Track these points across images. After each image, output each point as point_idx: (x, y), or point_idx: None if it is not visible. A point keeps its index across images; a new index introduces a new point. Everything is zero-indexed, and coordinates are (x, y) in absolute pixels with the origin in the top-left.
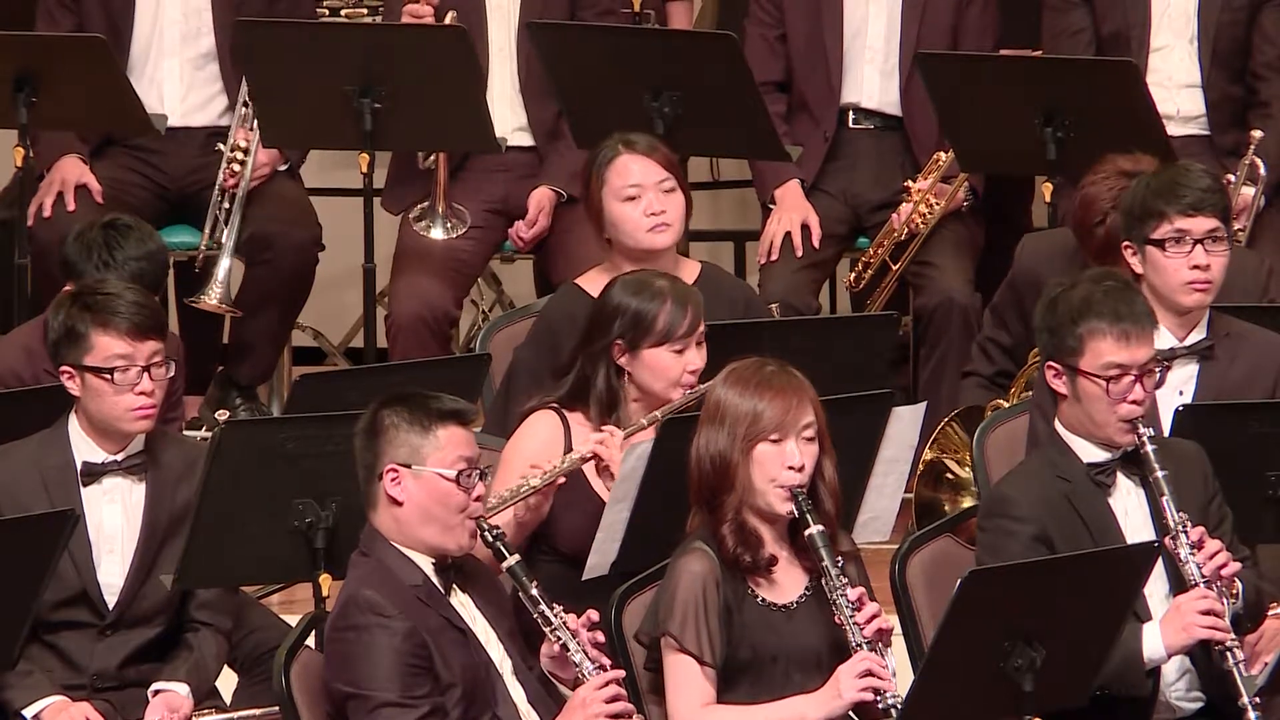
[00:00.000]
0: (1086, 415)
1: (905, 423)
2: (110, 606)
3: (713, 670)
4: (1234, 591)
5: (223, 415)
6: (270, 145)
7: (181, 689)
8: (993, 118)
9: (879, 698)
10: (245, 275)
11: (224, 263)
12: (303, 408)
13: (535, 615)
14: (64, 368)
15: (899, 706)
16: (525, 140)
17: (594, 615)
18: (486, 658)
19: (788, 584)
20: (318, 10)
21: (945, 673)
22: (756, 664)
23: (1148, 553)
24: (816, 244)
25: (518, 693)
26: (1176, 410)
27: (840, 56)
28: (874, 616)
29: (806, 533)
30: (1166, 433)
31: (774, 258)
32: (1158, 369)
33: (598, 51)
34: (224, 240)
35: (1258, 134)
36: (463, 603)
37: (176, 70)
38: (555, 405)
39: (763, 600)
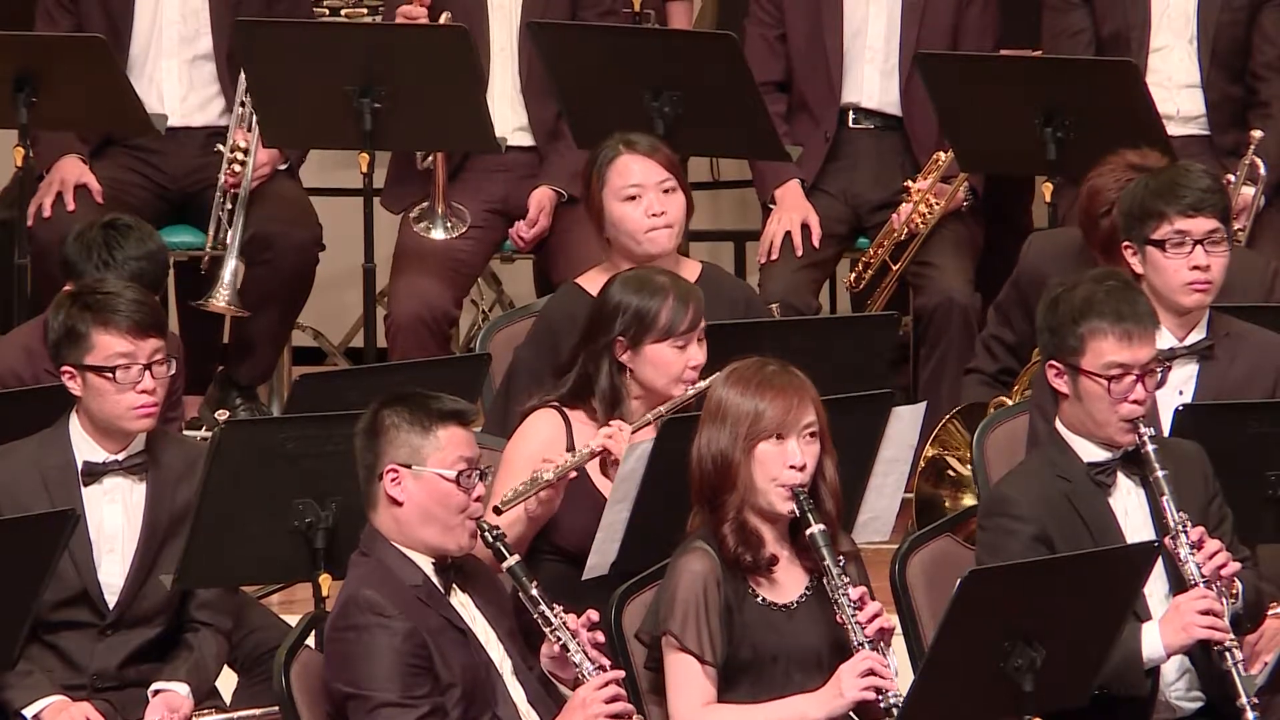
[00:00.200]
0: (1087, 415)
1: (905, 423)
2: (110, 606)
3: (714, 669)
4: (1234, 592)
5: (223, 415)
6: (270, 145)
7: (181, 689)
8: (993, 118)
9: (881, 697)
10: (245, 275)
11: (230, 264)
12: (303, 408)
13: (535, 615)
14: (65, 367)
15: (900, 706)
16: (526, 140)
17: (594, 615)
18: (486, 658)
19: (788, 584)
20: (317, 10)
21: (945, 673)
22: (757, 664)
23: (1147, 553)
24: (817, 244)
25: (518, 693)
26: (1176, 410)
27: (840, 56)
28: (875, 616)
29: (808, 532)
30: (1166, 433)
31: (774, 258)
32: (1159, 369)
33: (598, 51)
34: (229, 241)
35: (1257, 134)
36: (463, 603)
37: (175, 70)
38: (556, 404)
39: (763, 600)
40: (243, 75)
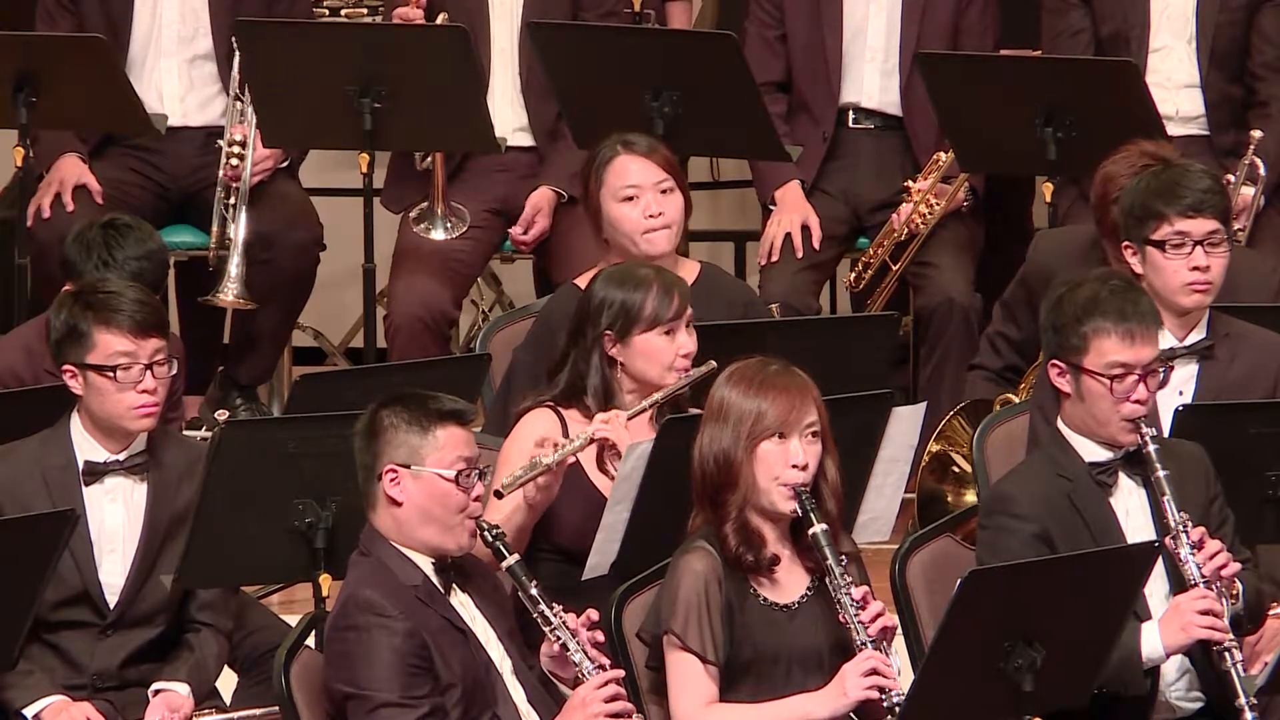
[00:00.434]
0: (1089, 414)
1: (905, 423)
2: (111, 606)
3: (715, 669)
4: (1234, 592)
5: (223, 415)
6: (270, 145)
7: (182, 689)
8: (993, 118)
9: (884, 696)
10: (246, 275)
11: (235, 259)
12: (303, 408)
13: (535, 615)
14: (66, 366)
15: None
16: (526, 140)
17: (594, 615)
18: (486, 657)
19: (790, 584)
20: (317, 10)
21: (945, 673)
22: (758, 664)
23: (1148, 553)
24: (817, 245)
25: (517, 692)
26: (1176, 410)
27: (840, 56)
28: (878, 615)
29: (810, 532)
30: (1166, 433)
31: (774, 259)
32: (1161, 369)
33: (598, 51)
34: (233, 236)
35: (1257, 134)
36: (462, 602)
37: (175, 70)
38: (551, 403)
39: (765, 600)
40: (236, 69)
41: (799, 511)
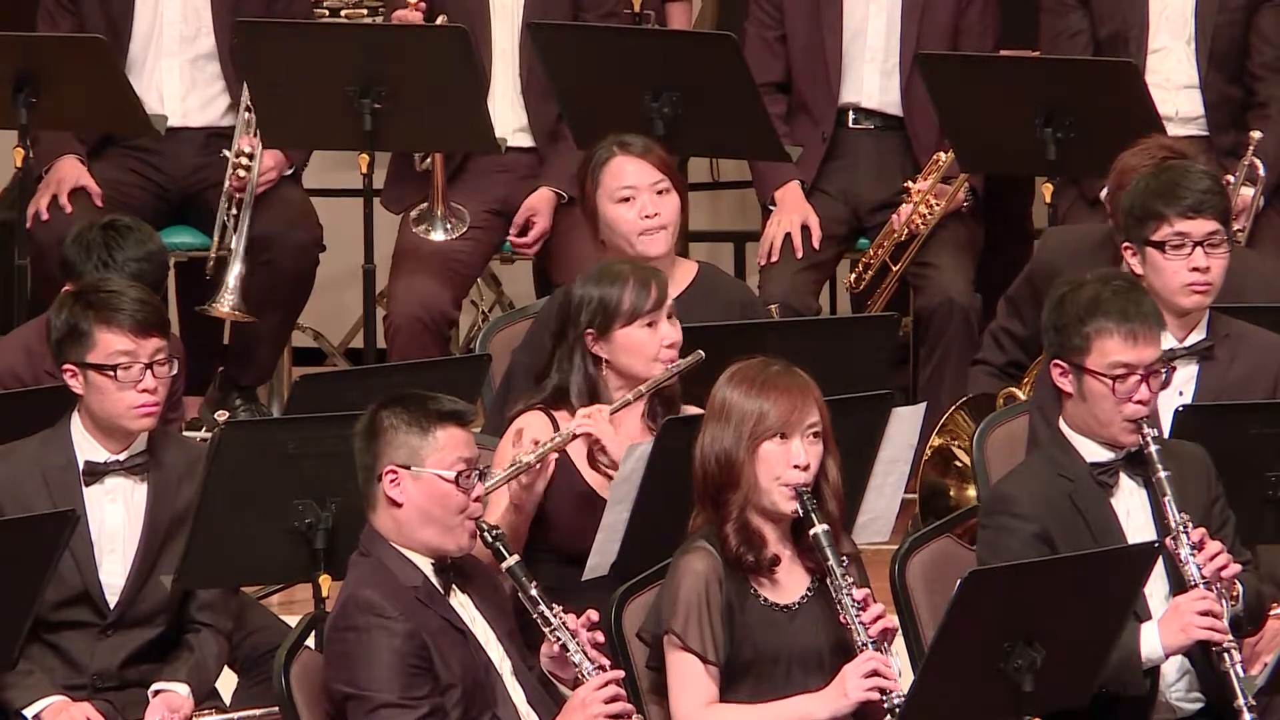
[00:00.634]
0: (1091, 414)
1: (905, 423)
2: (111, 606)
3: (715, 669)
4: (1234, 594)
5: (223, 416)
6: (271, 146)
7: (182, 689)
8: (993, 118)
9: (885, 698)
10: (246, 277)
11: (235, 269)
12: (303, 408)
13: (535, 616)
14: (67, 366)
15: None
16: (526, 141)
17: (594, 615)
18: (486, 658)
19: (790, 584)
20: (317, 10)
21: (945, 673)
22: (759, 664)
23: (1148, 553)
24: (816, 245)
25: (517, 693)
26: (1176, 411)
27: (840, 57)
28: (879, 617)
29: (812, 532)
30: (1166, 433)
31: (774, 259)
32: (1163, 370)
33: (598, 52)
34: (233, 247)
35: (1256, 135)
36: (462, 603)
37: (176, 71)
38: (541, 405)
39: (765, 600)
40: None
41: (800, 512)
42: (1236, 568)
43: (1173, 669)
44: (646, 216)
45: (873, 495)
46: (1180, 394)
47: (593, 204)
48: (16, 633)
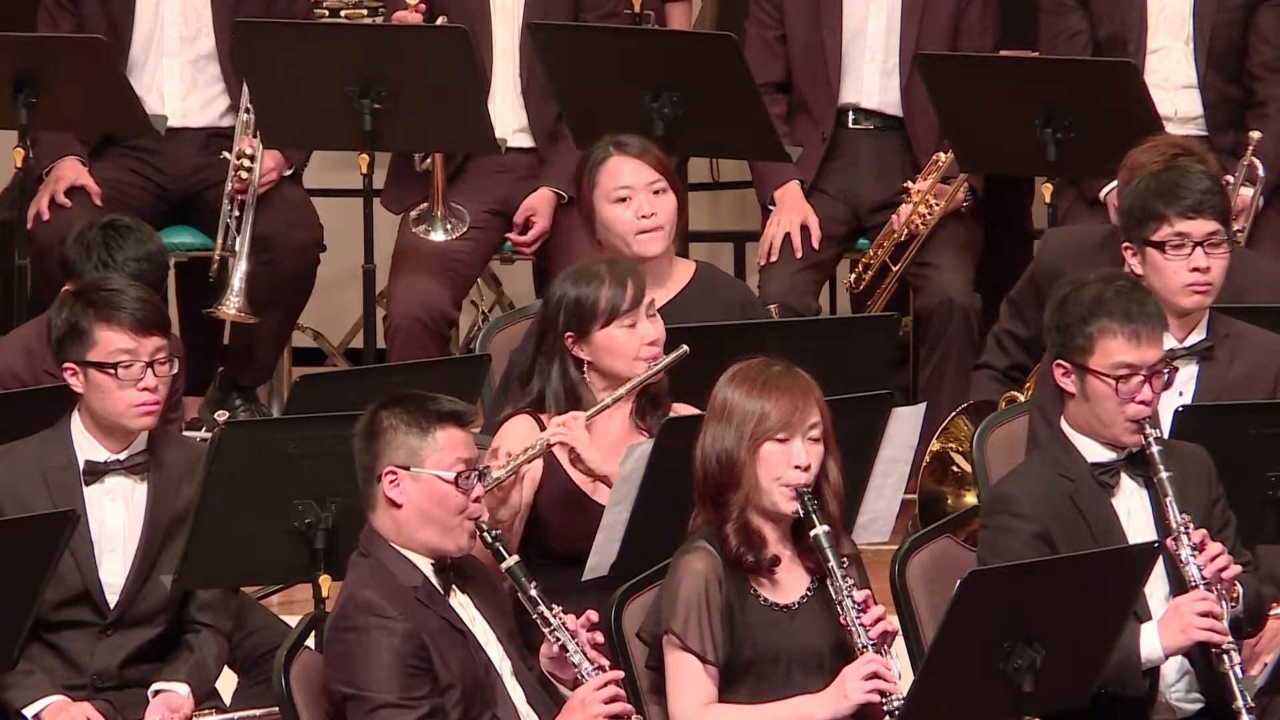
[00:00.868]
0: (1094, 415)
1: (905, 423)
2: (111, 606)
3: (715, 669)
4: (1234, 595)
5: (223, 416)
6: (271, 146)
7: (182, 689)
8: (993, 118)
9: (884, 700)
10: (248, 285)
11: (239, 270)
12: (302, 408)
13: (534, 616)
14: (67, 365)
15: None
16: (526, 141)
17: (593, 616)
18: (486, 658)
19: (790, 584)
20: (317, 11)
21: (945, 673)
22: (758, 664)
23: (1148, 553)
24: (816, 245)
25: (517, 693)
26: (1176, 411)
27: (840, 57)
28: (879, 619)
29: (812, 533)
30: (1166, 434)
31: (774, 259)
32: (1166, 370)
33: (597, 52)
34: (236, 248)
35: (1256, 135)
36: (462, 603)
37: (176, 71)
38: (529, 410)
39: (765, 600)
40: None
41: (801, 512)
42: (1237, 569)
43: (1172, 669)
44: (643, 216)
45: (873, 496)
46: (1180, 394)
47: (589, 204)
48: (16, 633)
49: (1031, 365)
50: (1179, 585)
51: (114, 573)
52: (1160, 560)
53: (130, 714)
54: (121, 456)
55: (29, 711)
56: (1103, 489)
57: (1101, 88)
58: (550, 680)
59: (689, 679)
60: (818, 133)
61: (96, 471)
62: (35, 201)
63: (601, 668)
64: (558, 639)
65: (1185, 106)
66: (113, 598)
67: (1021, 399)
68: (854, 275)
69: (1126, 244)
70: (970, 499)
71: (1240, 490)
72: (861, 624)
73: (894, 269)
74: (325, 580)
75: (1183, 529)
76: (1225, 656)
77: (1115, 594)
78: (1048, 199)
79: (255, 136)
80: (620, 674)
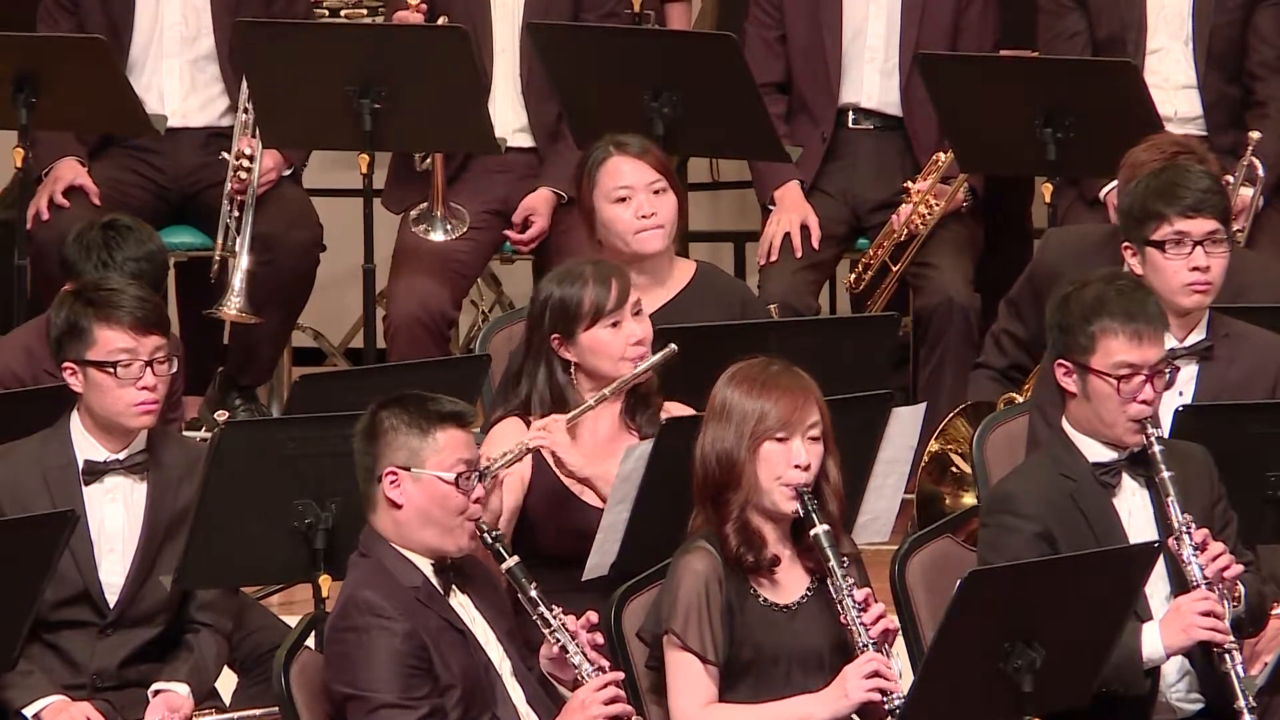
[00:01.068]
0: (1095, 414)
1: (905, 423)
2: (111, 606)
3: (715, 668)
4: (1236, 594)
5: (222, 416)
6: (270, 146)
7: (182, 689)
8: (993, 118)
9: (885, 699)
10: (249, 285)
11: (240, 271)
12: (302, 408)
13: (534, 617)
14: (66, 364)
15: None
16: (526, 141)
17: (593, 617)
18: (486, 659)
19: (790, 584)
20: (317, 10)
21: (945, 673)
22: (758, 664)
23: (1148, 553)
24: (816, 245)
25: (517, 693)
26: (1176, 411)
27: (840, 57)
28: (880, 617)
29: (812, 532)
30: (1166, 433)
31: (773, 259)
32: (1168, 369)
33: (597, 52)
34: (237, 249)
35: (1255, 135)
36: (462, 604)
37: (176, 71)
38: (518, 413)
39: (765, 600)
40: (245, 82)
41: (801, 512)
42: (1239, 568)
43: (1173, 669)
44: (643, 216)
45: (873, 495)
46: (1180, 394)
47: (589, 204)
48: (16, 633)
49: (1030, 365)
50: (1180, 585)
51: (113, 572)
52: (1161, 560)
53: (130, 714)
54: (121, 456)
55: (29, 711)
56: (1104, 489)
57: (1101, 88)
58: (550, 680)
59: (689, 679)
60: (818, 133)
61: (96, 471)
62: (34, 202)
63: (601, 668)
64: (558, 640)
65: (1185, 106)
66: (112, 597)
67: (1020, 399)
68: (854, 275)
69: (1126, 244)
70: (969, 500)
71: (1240, 490)
72: (862, 623)
73: (894, 269)
74: (325, 580)
75: (1184, 528)
76: (1227, 656)
77: (1115, 594)
78: (1048, 199)
79: (255, 136)
80: (620, 675)
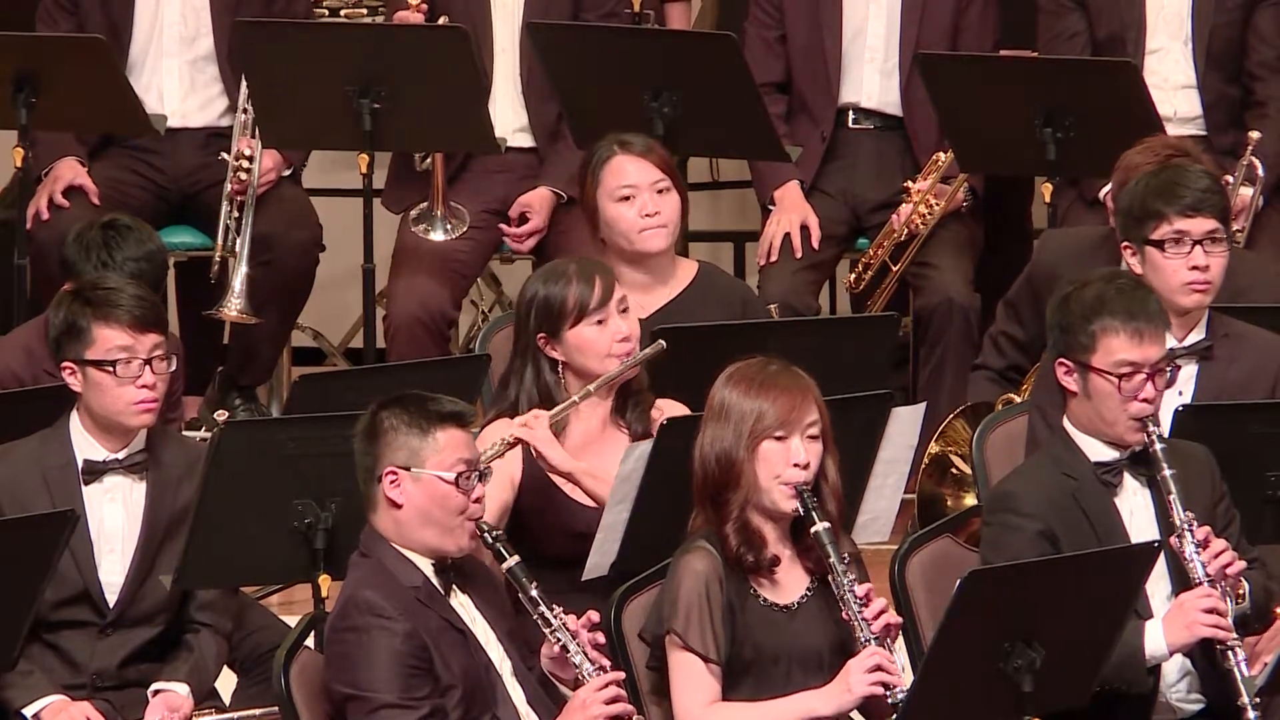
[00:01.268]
0: (1097, 413)
1: (905, 423)
2: (111, 605)
3: (718, 667)
4: (1239, 592)
5: (222, 416)
6: (270, 146)
7: (181, 689)
8: (993, 118)
9: (888, 692)
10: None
11: (240, 272)
12: (302, 408)
13: (535, 617)
14: (65, 363)
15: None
16: (526, 141)
17: (594, 616)
18: (486, 659)
19: (790, 584)
20: (317, 10)
21: (945, 673)
22: (758, 664)
23: (1147, 553)
24: (816, 245)
25: (517, 693)
26: (1176, 410)
27: (840, 57)
28: (882, 612)
29: (813, 530)
30: (1165, 433)
31: (773, 259)
32: (1169, 368)
33: (598, 51)
34: (237, 250)
35: (1255, 135)
36: (462, 604)
37: (176, 71)
38: (509, 413)
39: (765, 600)
40: (245, 82)
41: (800, 510)
42: (1241, 565)
43: (1173, 669)
44: (647, 215)
45: (873, 495)
46: (1180, 394)
47: (593, 202)
48: (16, 632)
49: (1028, 367)
50: (1182, 583)
51: (113, 572)
52: (1163, 560)
53: (130, 714)
54: (120, 456)
55: (29, 711)
56: (1106, 488)
57: (1101, 88)
58: (551, 680)
59: (692, 678)
60: (817, 133)
61: (95, 471)
62: (34, 202)
63: (603, 668)
64: (558, 639)
65: (1184, 107)
66: (112, 597)
67: (1018, 400)
68: (854, 275)
69: (1126, 243)
70: (969, 501)
71: (1240, 490)
72: (864, 617)
73: (894, 269)
74: (325, 580)
75: (1186, 526)
76: (1230, 653)
77: (1115, 594)
78: (1048, 199)
79: (254, 137)
80: (621, 675)
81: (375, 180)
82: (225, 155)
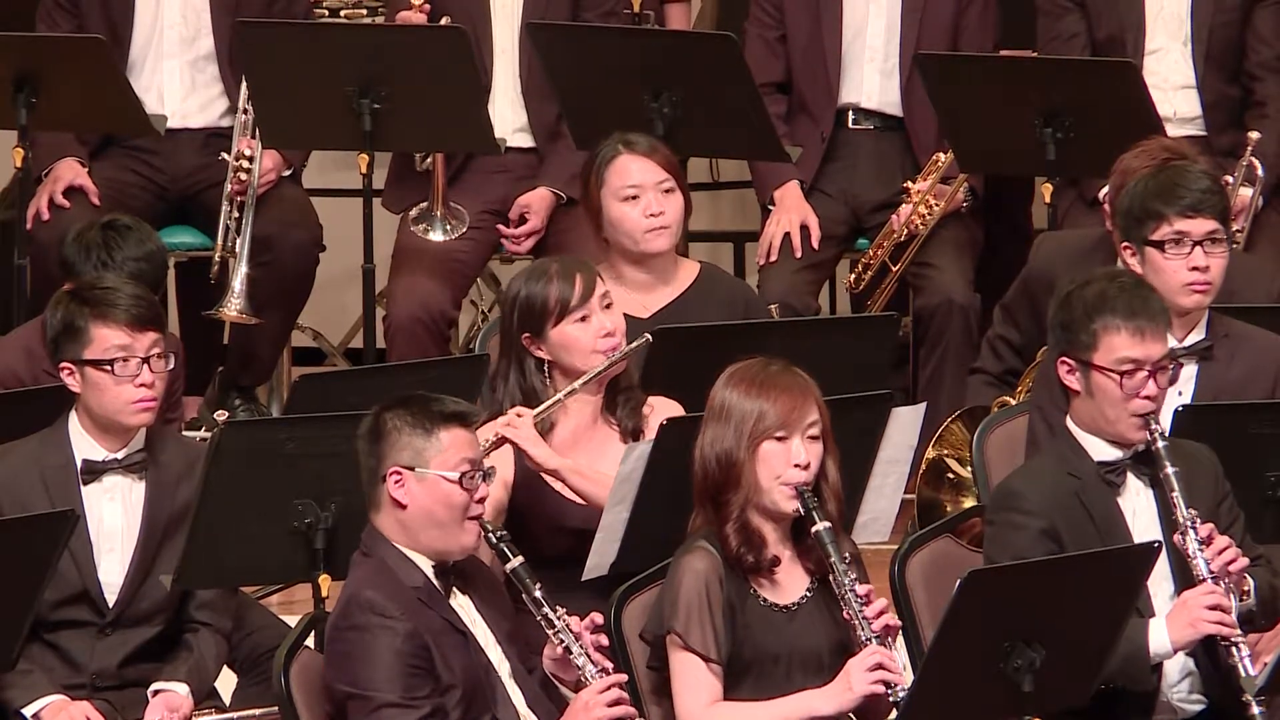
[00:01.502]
0: (1099, 411)
1: (905, 423)
2: (110, 605)
3: (719, 667)
4: (1244, 589)
5: (222, 416)
6: (270, 146)
7: (181, 689)
8: (993, 118)
9: (890, 691)
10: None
11: (240, 272)
12: (302, 408)
13: (539, 618)
14: (64, 364)
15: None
16: (526, 141)
17: (597, 618)
18: (486, 660)
19: (790, 585)
20: (317, 11)
21: (945, 673)
22: (759, 664)
23: (1148, 553)
24: (816, 245)
25: (517, 695)
26: (1176, 410)
27: (840, 57)
28: (882, 612)
29: (813, 529)
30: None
31: (773, 259)
32: (1170, 366)
33: (597, 52)
34: (237, 250)
35: (1255, 135)
36: (463, 605)
37: (176, 71)
38: (499, 414)
39: (765, 601)
40: (245, 82)
41: (801, 511)
42: (1244, 561)
43: (1175, 669)
44: (651, 215)
45: (872, 495)
46: (1180, 394)
47: (597, 202)
48: (16, 632)
49: (1024, 370)
50: (1185, 582)
51: (113, 572)
52: (1166, 559)
53: (130, 714)
54: (119, 455)
55: (28, 711)
56: (1109, 488)
57: (1101, 88)
58: (553, 681)
59: (693, 678)
60: (817, 133)
61: (95, 471)
62: (34, 202)
63: (605, 670)
64: (562, 641)
65: (1184, 107)
66: (111, 597)
67: (1014, 403)
68: (854, 275)
69: (1126, 244)
70: (968, 504)
71: (1240, 490)
72: (864, 616)
73: (894, 269)
74: (325, 580)
75: (1189, 523)
76: (1234, 649)
77: (1116, 593)
78: (1048, 199)
79: (254, 137)
80: (624, 677)
81: (375, 180)
82: (225, 155)
